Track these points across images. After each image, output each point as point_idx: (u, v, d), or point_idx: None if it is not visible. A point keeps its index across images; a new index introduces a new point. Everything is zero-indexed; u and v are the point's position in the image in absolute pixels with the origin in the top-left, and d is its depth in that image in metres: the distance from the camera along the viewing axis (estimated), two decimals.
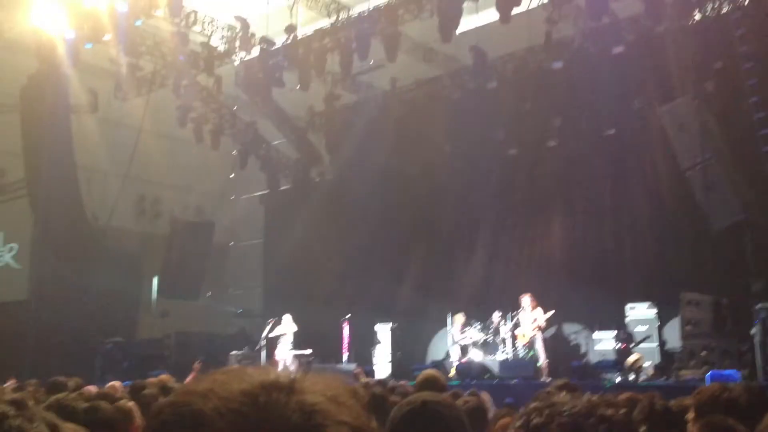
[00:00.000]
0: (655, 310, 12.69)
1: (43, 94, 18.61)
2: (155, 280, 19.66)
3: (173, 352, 17.63)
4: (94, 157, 19.51)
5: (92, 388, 7.42)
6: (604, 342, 12.95)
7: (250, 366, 1.03)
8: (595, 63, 15.56)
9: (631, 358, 11.74)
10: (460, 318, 14.67)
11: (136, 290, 20.25)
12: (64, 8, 16.56)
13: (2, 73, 18.86)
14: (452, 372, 13.86)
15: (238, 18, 18.14)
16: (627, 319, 12.95)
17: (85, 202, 19.34)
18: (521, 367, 13.13)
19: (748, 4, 13.48)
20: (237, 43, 18.56)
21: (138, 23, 17.23)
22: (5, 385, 7.37)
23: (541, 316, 13.01)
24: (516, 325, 13.46)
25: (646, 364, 11.79)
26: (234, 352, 16.53)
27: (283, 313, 15.12)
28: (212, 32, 18.50)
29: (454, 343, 14.65)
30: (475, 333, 14.20)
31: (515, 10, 14.69)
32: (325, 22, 18.12)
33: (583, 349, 13.35)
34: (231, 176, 23.17)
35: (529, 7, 15.65)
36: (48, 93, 18.56)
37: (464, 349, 14.11)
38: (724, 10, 14.01)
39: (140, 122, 19.18)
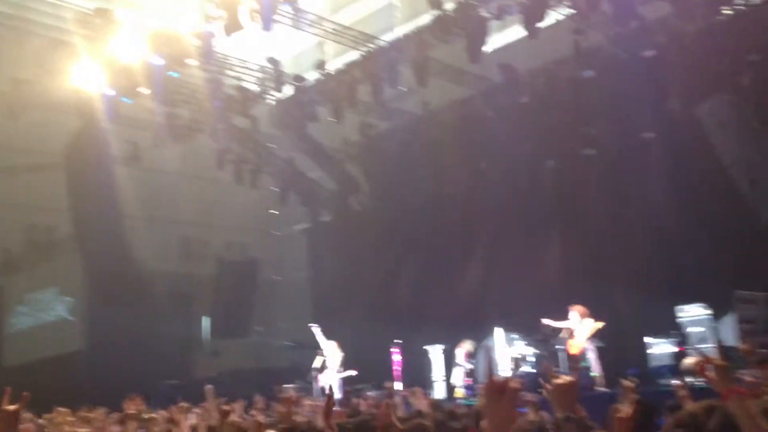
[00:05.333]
0: (709, 311, 12.30)
1: (86, 150, 19.21)
2: (205, 321, 19.93)
3: (228, 389, 17.71)
4: (138, 204, 19.99)
5: None
6: (658, 347, 12.60)
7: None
8: (627, 69, 15.35)
9: (689, 361, 11.38)
10: (467, 345, 14.79)
11: (188, 332, 20.53)
12: (102, 67, 17.10)
13: (47, 134, 19.51)
14: (460, 393, 14.24)
15: (269, 59, 18.54)
16: (680, 321, 12.56)
17: (133, 248, 19.76)
18: None
19: None
20: (270, 83, 18.94)
21: (173, 74, 17.67)
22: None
23: (591, 326, 12.72)
24: (567, 336, 13.17)
25: None
26: (285, 386, 16.54)
27: (330, 341, 15.13)
28: (245, 75, 18.90)
29: (459, 366, 14.76)
30: (523, 348, 13.97)
31: (542, 24, 14.69)
32: (354, 54, 18.38)
33: (637, 356, 12.97)
34: (273, 212, 23.45)
35: (556, 20, 15.65)
36: (91, 148, 19.14)
37: (517, 364, 13.87)
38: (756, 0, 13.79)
39: (181, 168, 19.62)
